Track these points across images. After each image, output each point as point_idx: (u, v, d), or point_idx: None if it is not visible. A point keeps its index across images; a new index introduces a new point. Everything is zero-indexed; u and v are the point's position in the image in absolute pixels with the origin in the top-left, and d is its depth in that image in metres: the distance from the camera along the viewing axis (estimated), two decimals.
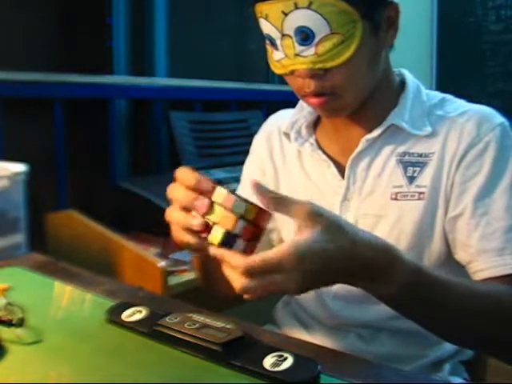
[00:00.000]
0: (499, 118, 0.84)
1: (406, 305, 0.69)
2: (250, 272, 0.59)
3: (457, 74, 2.93)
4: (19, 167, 1.06)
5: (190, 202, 0.64)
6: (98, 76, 1.81)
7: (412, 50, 2.67)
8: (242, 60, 2.58)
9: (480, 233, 0.79)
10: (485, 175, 0.80)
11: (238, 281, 0.60)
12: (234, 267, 0.60)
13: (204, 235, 0.63)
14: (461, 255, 0.82)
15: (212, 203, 0.63)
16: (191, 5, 2.25)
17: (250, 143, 1.05)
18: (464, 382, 0.91)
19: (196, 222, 0.63)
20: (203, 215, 0.63)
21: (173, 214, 0.66)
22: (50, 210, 1.55)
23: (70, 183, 1.74)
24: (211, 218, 0.62)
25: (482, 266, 0.78)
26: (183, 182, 0.65)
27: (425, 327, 0.73)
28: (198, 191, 0.64)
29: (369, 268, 0.63)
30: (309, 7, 0.74)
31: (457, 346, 0.87)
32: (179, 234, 0.67)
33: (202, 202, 0.63)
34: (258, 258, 0.59)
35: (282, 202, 0.62)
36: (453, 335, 0.75)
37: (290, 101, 1.00)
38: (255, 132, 1.05)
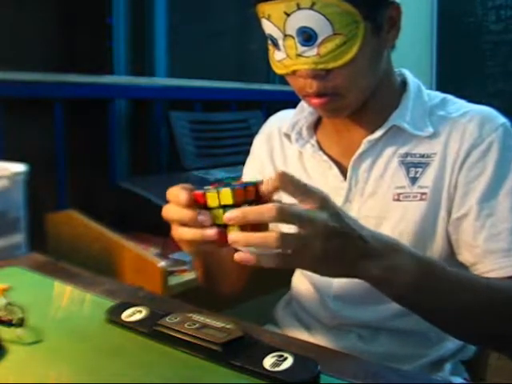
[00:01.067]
0: (501, 119, 0.84)
1: (416, 298, 0.69)
2: (281, 214, 0.58)
3: (457, 74, 2.93)
4: (19, 167, 1.06)
5: (191, 219, 0.63)
6: (98, 76, 1.81)
7: (412, 50, 2.67)
8: (242, 60, 2.58)
9: (486, 234, 0.78)
10: (488, 176, 0.80)
11: (271, 235, 0.59)
12: (265, 212, 0.58)
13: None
14: (465, 256, 0.82)
15: (210, 208, 0.63)
16: (191, 5, 2.25)
17: (250, 143, 1.05)
18: (464, 381, 0.91)
19: (210, 232, 0.62)
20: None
21: (182, 232, 0.65)
22: (50, 210, 1.55)
23: (70, 183, 1.74)
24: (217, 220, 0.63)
25: (489, 267, 0.78)
26: (177, 202, 0.64)
27: (433, 321, 0.73)
28: (193, 204, 0.63)
29: (379, 249, 0.64)
30: (311, 8, 0.74)
31: (463, 340, 0.87)
32: (192, 248, 0.68)
33: (205, 216, 0.62)
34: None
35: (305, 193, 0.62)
36: (460, 329, 0.75)
37: (290, 101, 1.00)
38: (255, 132, 1.05)
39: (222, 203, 0.62)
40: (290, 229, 0.61)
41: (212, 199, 0.62)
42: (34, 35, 1.75)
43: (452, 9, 2.94)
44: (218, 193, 0.62)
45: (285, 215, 0.59)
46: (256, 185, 0.64)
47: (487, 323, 0.73)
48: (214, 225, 0.62)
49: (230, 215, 0.60)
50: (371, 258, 0.64)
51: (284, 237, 0.59)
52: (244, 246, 0.61)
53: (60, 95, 1.70)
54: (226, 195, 0.61)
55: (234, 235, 0.60)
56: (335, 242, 0.61)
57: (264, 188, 0.63)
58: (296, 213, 0.59)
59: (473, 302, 0.71)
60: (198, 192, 0.64)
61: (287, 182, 0.61)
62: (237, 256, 0.61)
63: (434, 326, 0.74)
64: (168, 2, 2.12)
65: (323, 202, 0.61)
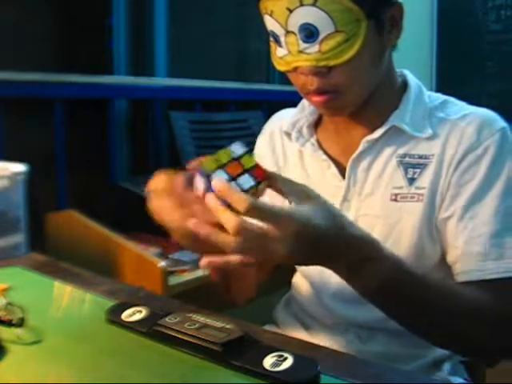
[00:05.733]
0: (500, 123, 0.84)
1: (386, 297, 0.71)
2: (251, 211, 0.59)
3: (457, 74, 2.93)
4: (19, 167, 1.06)
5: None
6: (98, 76, 1.81)
7: (412, 50, 2.66)
8: (242, 60, 2.58)
9: (466, 236, 0.79)
10: (479, 180, 0.80)
11: (233, 223, 0.59)
12: (238, 201, 0.60)
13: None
14: (449, 256, 0.82)
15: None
16: (191, 5, 2.25)
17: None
18: (464, 381, 0.91)
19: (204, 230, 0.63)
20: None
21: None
22: (50, 210, 1.55)
23: (70, 183, 1.74)
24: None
25: (465, 268, 0.78)
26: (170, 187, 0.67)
27: (402, 323, 0.74)
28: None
29: (352, 247, 0.65)
30: (314, 4, 0.74)
31: (434, 344, 0.87)
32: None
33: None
34: (261, 202, 0.61)
35: (280, 179, 0.65)
36: (427, 333, 0.76)
37: (290, 101, 1.00)
38: (255, 132, 1.06)
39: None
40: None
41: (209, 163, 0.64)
42: (34, 35, 1.75)
43: (452, 9, 2.94)
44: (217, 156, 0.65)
45: (246, 235, 0.60)
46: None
47: (461, 330, 0.74)
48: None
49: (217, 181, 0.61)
50: (333, 265, 0.67)
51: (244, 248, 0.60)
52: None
53: (60, 95, 1.70)
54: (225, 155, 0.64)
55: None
56: (303, 246, 0.62)
57: None
58: (257, 232, 0.60)
59: (445, 310, 0.72)
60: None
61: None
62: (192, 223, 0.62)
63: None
64: (168, 2, 2.12)
65: (304, 197, 0.64)
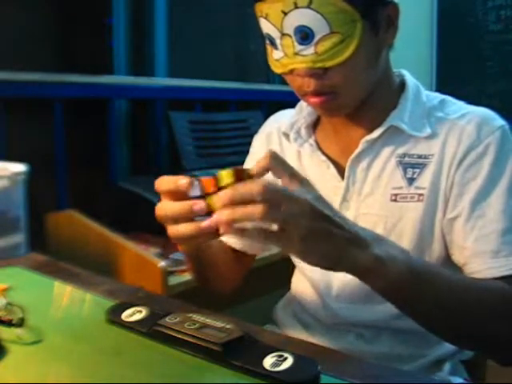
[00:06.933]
0: (499, 121, 0.84)
1: (405, 293, 0.68)
2: (270, 189, 0.58)
3: (457, 74, 2.93)
4: (19, 167, 1.06)
5: (187, 210, 0.63)
6: (98, 76, 1.81)
7: (412, 50, 2.67)
8: (242, 60, 2.58)
9: (475, 235, 0.79)
10: (483, 178, 0.80)
11: (255, 206, 0.58)
12: (255, 186, 0.58)
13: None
14: (457, 257, 0.82)
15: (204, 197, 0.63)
16: (191, 5, 2.25)
17: (249, 143, 1.05)
18: (464, 381, 0.91)
19: (206, 223, 0.62)
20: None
21: (178, 229, 0.65)
22: (50, 210, 1.55)
23: (70, 183, 1.74)
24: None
25: (477, 268, 0.78)
26: (175, 190, 0.64)
27: (420, 320, 0.73)
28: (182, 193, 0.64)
29: (366, 238, 0.64)
30: (308, 6, 0.74)
31: (452, 343, 0.86)
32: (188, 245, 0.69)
33: (201, 206, 0.62)
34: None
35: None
36: (448, 330, 0.74)
37: (289, 101, 1.00)
38: (255, 132, 1.05)
39: (223, 184, 0.62)
40: None
41: (208, 185, 0.63)
42: (33, 35, 1.75)
43: (452, 9, 2.94)
44: (215, 177, 0.62)
45: (271, 191, 0.58)
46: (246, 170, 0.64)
47: (476, 323, 0.72)
48: (208, 214, 0.62)
49: (222, 195, 0.60)
50: (359, 246, 0.63)
51: (270, 209, 0.58)
52: (229, 224, 0.60)
53: (60, 95, 1.70)
54: (226, 176, 0.62)
55: (219, 214, 0.60)
56: (321, 223, 0.60)
57: (256, 168, 0.63)
58: (282, 189, 0.60)
59: (461, 300, 0.71)
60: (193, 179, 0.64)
61: (277, 161, 0.63)
62: (214, 222, 0.60)
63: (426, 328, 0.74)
64: (168, 1, 2.12)
65: (308, 184, 0.62)
